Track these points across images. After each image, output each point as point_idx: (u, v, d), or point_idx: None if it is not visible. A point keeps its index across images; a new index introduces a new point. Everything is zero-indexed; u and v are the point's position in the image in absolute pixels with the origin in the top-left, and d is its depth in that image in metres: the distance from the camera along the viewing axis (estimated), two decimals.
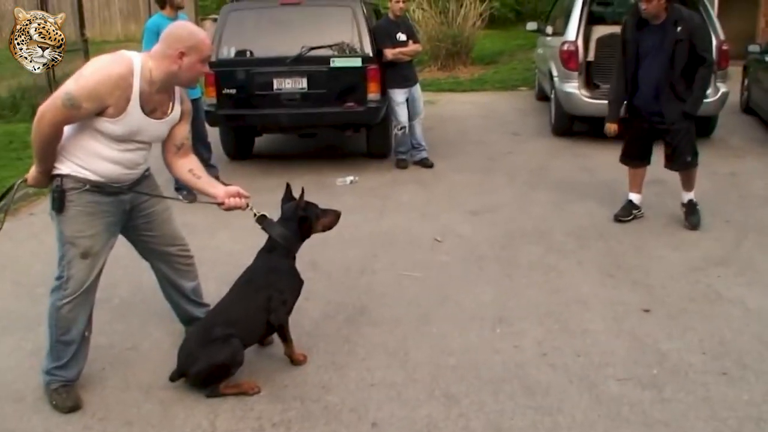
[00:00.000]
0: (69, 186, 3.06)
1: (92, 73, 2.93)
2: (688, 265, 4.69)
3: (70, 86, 2.89)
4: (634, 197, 5.66)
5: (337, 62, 6.97)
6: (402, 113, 7.38)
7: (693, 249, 4.99)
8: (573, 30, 8.20)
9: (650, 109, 5.32)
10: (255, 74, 7.06)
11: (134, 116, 3.03)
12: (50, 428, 3.11)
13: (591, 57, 8.58)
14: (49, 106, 2.89)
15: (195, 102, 6.41)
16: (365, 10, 7.18)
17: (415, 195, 6.52)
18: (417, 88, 7.56)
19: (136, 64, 3.00)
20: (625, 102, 5.49)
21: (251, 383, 3.36)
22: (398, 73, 7.28)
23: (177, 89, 3.24)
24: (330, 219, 3.63)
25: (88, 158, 3.06)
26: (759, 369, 3.39)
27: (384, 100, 7.29)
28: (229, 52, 7.12)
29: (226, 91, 7.10)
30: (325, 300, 4.28)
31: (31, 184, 3.18)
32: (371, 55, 7.04)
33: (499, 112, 10.90)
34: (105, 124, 3.00)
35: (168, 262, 3.56)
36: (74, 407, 3.19)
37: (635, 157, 5.60)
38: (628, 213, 5.59)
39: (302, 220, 3.50)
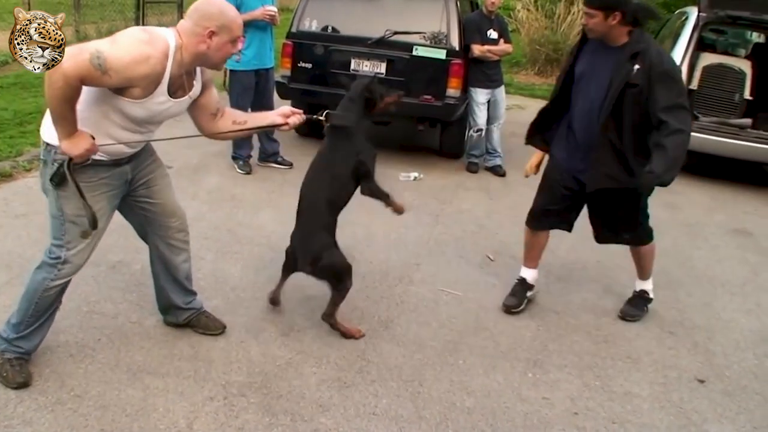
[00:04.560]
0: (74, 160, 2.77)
1: (130, 47, 2.61)
2: (759, 335, 4.14)
3: (104, 47, 2.57)
4: (528, 273, 4.19)
5: (420, 51, 6.57)
6: (481, 115, 6.94)
7: None
8: (679, 54, 7.55)
9: (572, 166, 3.82)
10: (333, 51, 6.74)
11: (159, 99, 2.79)
12: (23, 397, 2.90)
13: (694, 85, 7.90)
14: (68, 58, 2.51)
15: (266, 72, 6.18)
16: (458, 1, 6.75)
17: (478, 204, 6.10)
18: (501, 90, 7.09)
19: (171, 45, 2.73)
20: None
21: (358, 329, 3.62)
22: (483, 72, 6.83)
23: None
24: (394, 98, 3.73)
25: (96, 137, 2.77)
26: None
27: (464, 97, 6.87)
28: (310, 24, 6.82)
29: (301, 64, 6.82)
30: (351, 305, 3.93)
31: (78, 157, 2.71)
32: (457, 48, 6.60)
33: None
34: (128, 105, 2.74)
35: (165, 237, 3.29)
36: (24, 383, 2.95)
37: (541, 217, 4.05)
38: (520, 301, 4.10)
39: (368, 101, 3.61)
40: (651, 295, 4.18)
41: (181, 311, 3.45)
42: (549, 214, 4.02)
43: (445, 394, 3.22)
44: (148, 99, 2.75)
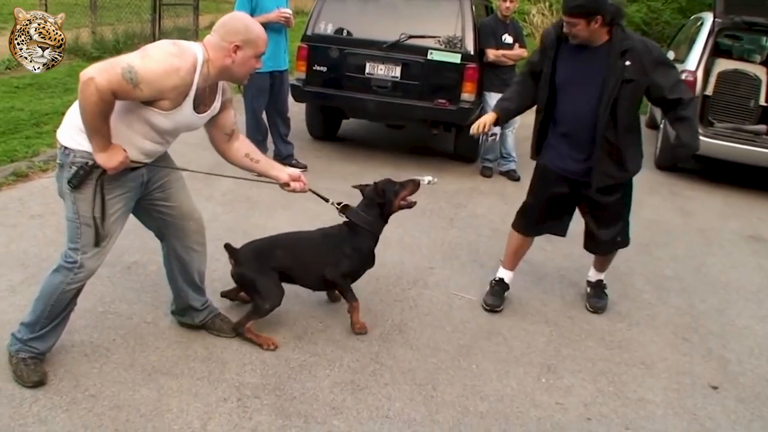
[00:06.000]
0: (94, 163, 2.79)
1: (161, 60, 2.69)
2: None
3: (135, 61, 2.64)
4: (507, 275, 4.26)
5: (435, 55, 6.57)
6: None
7: None
8: (694, 60, 7.54)
9: (571, 168, 3.87)
10: (348, 54, 6.74)
11: (185, 112, 2.85)
12: (38, 396, 2.91)
13: (709, 91, 7.87)
14: (101, 72, 2.56)
15: (281, 74, 6.20)
16: (474, 5, 6.75)
17: (492, 208, 6.09)
18: None
19: (199, 59, 2.80)
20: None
21: (271, 339, 3.45)
22: (498, 77, 6.82)
23: (220, 82, 3.03)
24: (409, 190, 3.74)
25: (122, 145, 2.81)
26: None
27: (478, 102, 6.87)
28: (326, 27, 6.83)
29: (316, 67, 6.82)
30: (365, 309, 3.94)
31: (112, 170, 2.78)
32: (472, 53, 6.60)
33: None
34: (156, 116, 2.79)
35: (183, 240, 3.30)
36: (39, 382, 2.96)
37: (536, 224, 4.14)
38: (501, 300, 4.16)
39: (381, 205, 3.68)
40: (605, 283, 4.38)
41: (197, 313, 3.47)
42: (542, 220, 4.10)
43: (459, 398, 3.21)
44: (175, 111, 2.80)
